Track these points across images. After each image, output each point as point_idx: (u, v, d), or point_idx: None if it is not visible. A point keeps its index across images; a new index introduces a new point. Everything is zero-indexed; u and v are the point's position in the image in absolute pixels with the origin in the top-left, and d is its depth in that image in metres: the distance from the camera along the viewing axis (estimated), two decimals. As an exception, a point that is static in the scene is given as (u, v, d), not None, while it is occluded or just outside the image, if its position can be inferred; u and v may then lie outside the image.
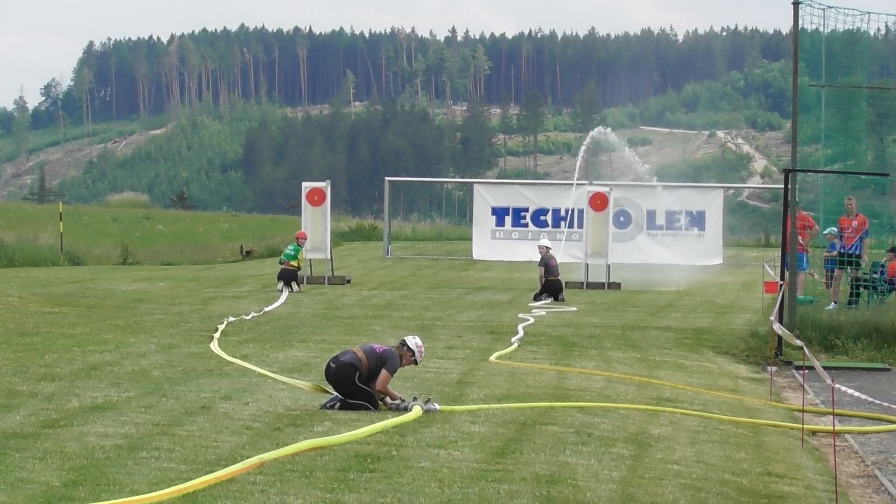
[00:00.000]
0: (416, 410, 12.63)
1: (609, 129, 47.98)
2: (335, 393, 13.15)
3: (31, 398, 13.20)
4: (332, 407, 12.92)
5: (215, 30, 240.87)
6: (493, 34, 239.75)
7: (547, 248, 30.58)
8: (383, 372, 13.00)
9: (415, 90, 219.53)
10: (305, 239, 32.53)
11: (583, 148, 47.90)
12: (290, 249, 31.73)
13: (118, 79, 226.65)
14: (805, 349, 13.73)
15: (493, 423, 12.47)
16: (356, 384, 12.92)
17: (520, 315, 25.06)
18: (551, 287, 29.69)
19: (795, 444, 12.98)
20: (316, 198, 34.47)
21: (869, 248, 24.70)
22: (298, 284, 31.18)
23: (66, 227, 45.88)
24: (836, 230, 24.56)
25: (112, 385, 14.28)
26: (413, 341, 13.35)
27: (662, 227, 43.69)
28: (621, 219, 42.57)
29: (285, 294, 29.26)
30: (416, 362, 13.41)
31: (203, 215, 79.33)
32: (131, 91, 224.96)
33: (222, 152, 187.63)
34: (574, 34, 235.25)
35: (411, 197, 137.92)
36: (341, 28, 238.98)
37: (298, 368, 16.08)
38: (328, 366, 13.22)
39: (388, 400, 13.04)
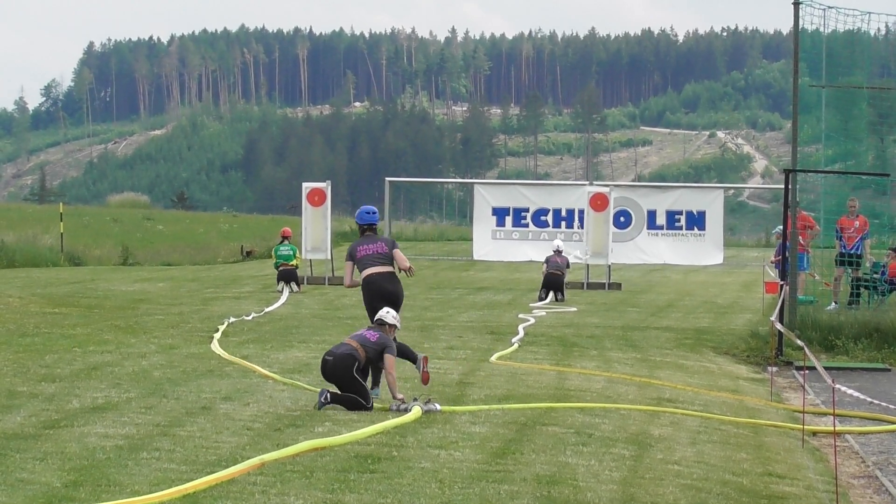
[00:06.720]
0: (417, 411, 12.63)
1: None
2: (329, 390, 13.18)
3: (31, 399, 13.19)
4: (325, 401, 12.88)
5: (215, 30, 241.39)
6: (493, 34, 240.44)
7: (556, 251, 30.32)
8: (388, 357, 13.11)
9: (415, 90, 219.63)
10: (290, 236, 32.40)
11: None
12: (285, 250, 31.69)
13: (118, 79, 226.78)
14: (805, 349, 13.72)
15: (493, 424, 12.46)
16: (353, 376, 12.99)
17: (520, 315, 25.06)
18: (548, 281, 29.59)
19: (796, 445, 12.97)
20: (316, 198, 34.49)
21: (870, 249, 24.71)
22: (299, 284, 31.20)
23: (67, 227, 45.87)
24: (780, 229, 24.59)
25: (112, 386, 14.28)
26: (388, 316, 13.49)
27: (663, 227, 43.68)
28: (622, 219, 42.59)
29: (286, 294, 29.27)
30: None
31: (203, 216, 79.38)
32: (131, 92, 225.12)
33: (222, 153, 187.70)
34: (574, 34, 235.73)
35: (412, 197, 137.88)
36: (341, 28, 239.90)
37: (299, 369, 16.07)
38: (324, 360, 13.25)
39: (391, 403, 13.07)
